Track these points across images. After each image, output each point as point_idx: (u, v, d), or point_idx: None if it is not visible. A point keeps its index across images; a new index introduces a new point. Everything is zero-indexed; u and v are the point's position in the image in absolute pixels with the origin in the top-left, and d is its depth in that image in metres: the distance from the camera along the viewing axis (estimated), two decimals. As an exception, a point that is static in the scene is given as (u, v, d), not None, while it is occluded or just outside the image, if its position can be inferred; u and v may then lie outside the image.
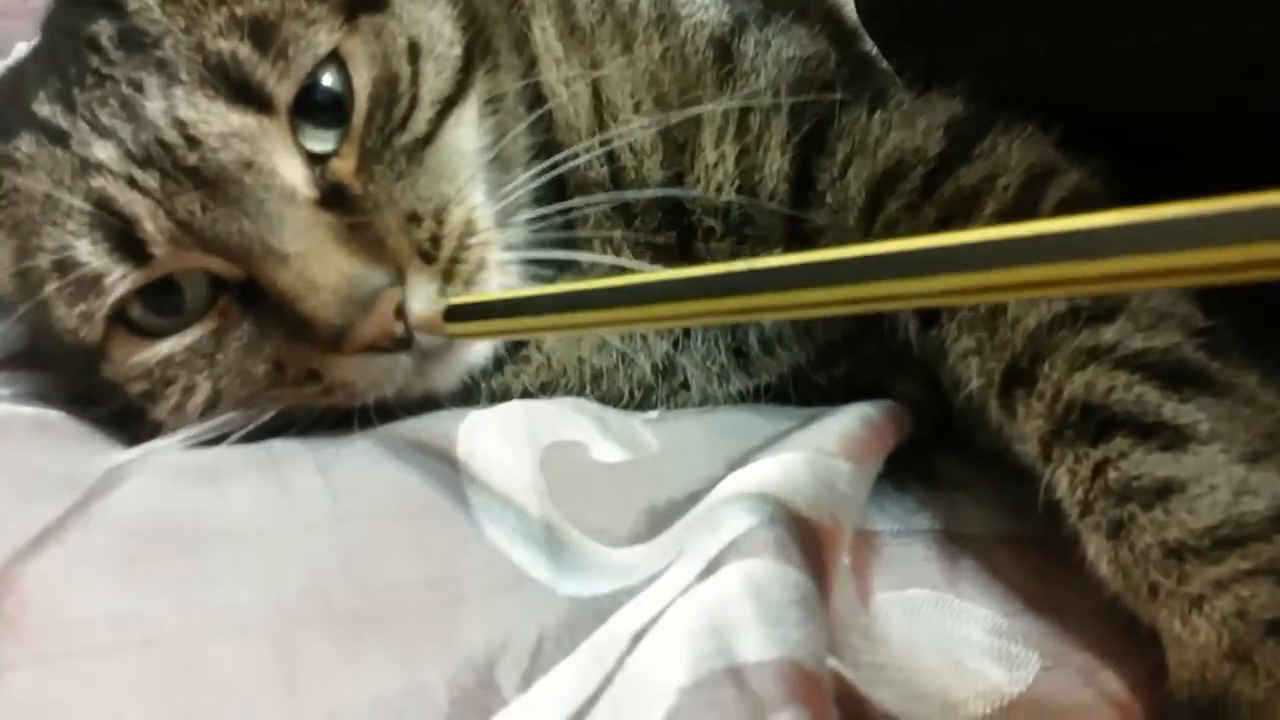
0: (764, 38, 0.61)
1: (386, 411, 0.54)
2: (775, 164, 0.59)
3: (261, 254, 0.49)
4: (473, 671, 0.39)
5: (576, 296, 0.39)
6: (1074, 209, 0.52)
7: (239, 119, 0.49)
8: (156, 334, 0.53)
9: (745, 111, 0.59)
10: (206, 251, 0.50)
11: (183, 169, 0.49)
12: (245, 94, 0.49)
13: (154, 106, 0.49)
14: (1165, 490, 0.45)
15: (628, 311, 0.37)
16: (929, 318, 0.55)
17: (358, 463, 0.48)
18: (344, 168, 0.52)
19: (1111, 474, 0.46)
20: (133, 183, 0.49)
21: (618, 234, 0.60)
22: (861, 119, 0.59)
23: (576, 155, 0.57)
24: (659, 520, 0.47)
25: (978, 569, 0.52)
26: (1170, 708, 0.43)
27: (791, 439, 0.50)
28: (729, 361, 0.63)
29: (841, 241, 0.59)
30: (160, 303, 0.52)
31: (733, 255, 0.61)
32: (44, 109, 0.51)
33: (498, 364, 0.60)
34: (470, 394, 0.59)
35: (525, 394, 0.60)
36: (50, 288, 0.51)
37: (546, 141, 0.60)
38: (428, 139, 0.54)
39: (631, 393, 0.63)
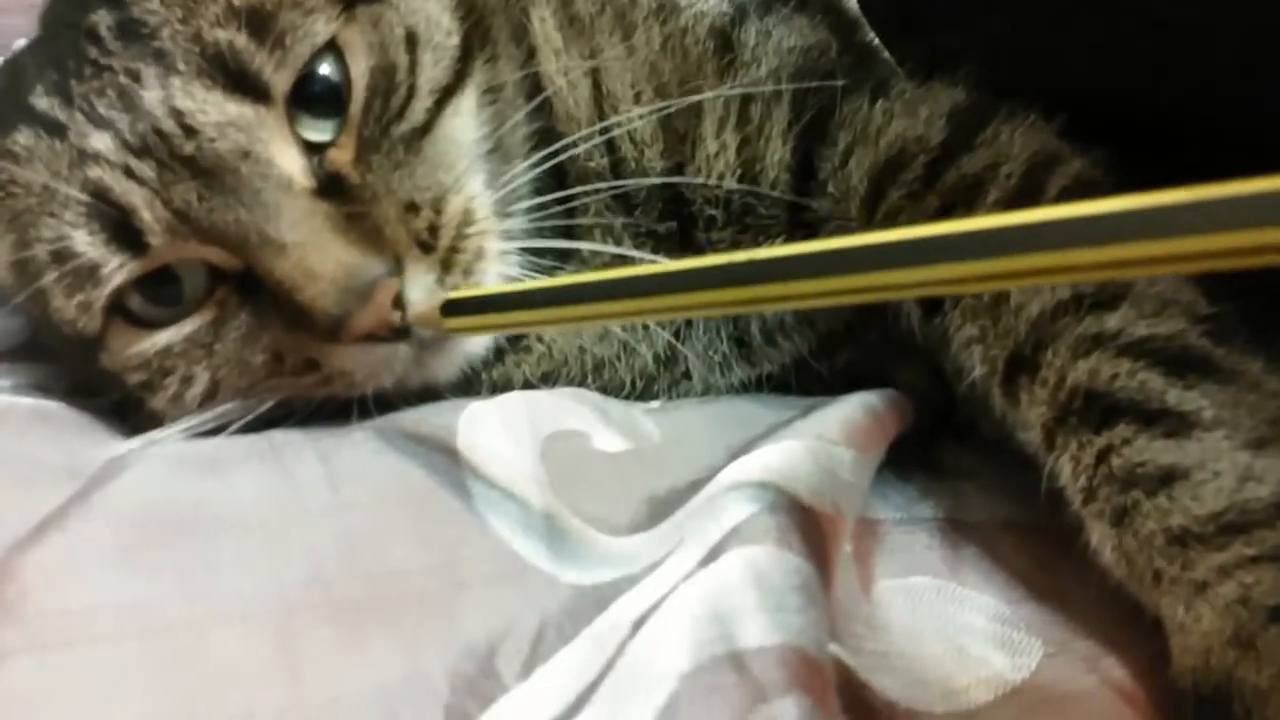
0: (765, 27, 0.61)
1: (386, 402, 0.54)
2: (777, 153, 0.59)
3: (259, 243, 0.49)
4: (473, 659, 0.39)
5: (574, 290, 0.39)
6: (1076, 197, 0.52)
7: (236, 108, 0.49)
8: (155, 324, 0.53)
9: (746, 101, 0.59)
10: (204, 241, 0.50)
11: (179, 158, 0.49)
12: (242, 83, 0.49)
13: (151, 96, 0.49)
14: (1169, 477, 0.45)
15: (626, 304, 0.36)
16: (931, 306, 0.55)
17: (359, 453, 0.48)
18: (342, 157, 0.52)
19: (1115, 461, 0.46)
20: (129, 172, 0.49)
21: (618, 223, 0.60)
22: (863, 108, 0.59)
23: (576, 144, 0.57)
24: (660, 509, 0.47)
25: (980, 556, 0.52)
26: (1173, 694, 0.43)
27: (793, 427, 0.50)
28: (731, 351, 0.63)
29: (843, 230, 0.59)
30: (159, 293, 0.52)
31: (734, 245, 0.61)
32: (42, 101, 0.51)
33: (498, 354, 0.60)
34: (471, 384, 0.59)
35: (526, 384, 0.60)
36: (48, 278, 0.51)
37: (546, 132, 0.60)
38: (426, 128, 0.54)
39: (633, 382, 0.63)
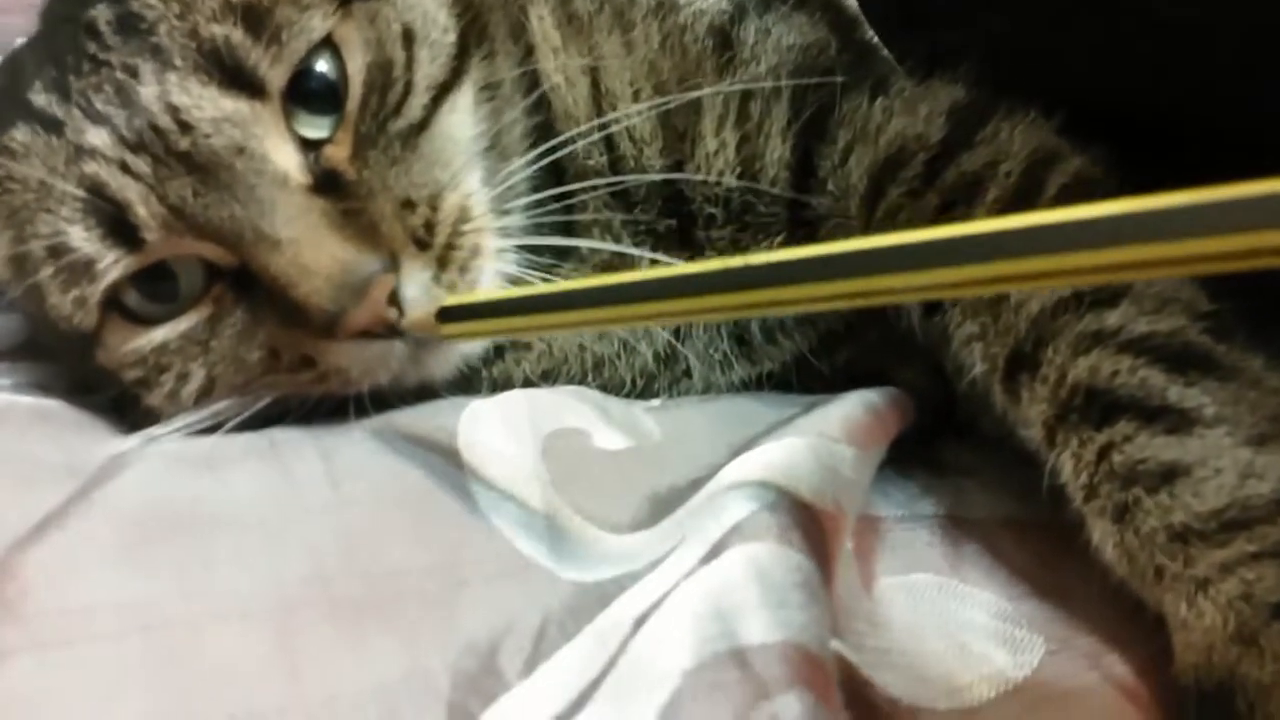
0: (764, 25, 0.61)
1: (383, 401, 0.54)
2: (776, 151, 0.59)
3: (254, 240, 0.49)
4: (475, 657, 0.39)
5: (569, 296, 0.39)
6: (1076, 195, 0.52)
7: (231, 104, 0.49)
8: (151, 321, 0.53)
9: (746, 99, 0.59)
10: (199, 237, 0.50)
11: (175, 154, 0.49)
12: (238, 79, 0.49)
13: (148, 92, 0.49)
14: (1170, 474, 0.45)
15: (620, 310, 0.36)
16: (932, 304, 0.55)
17: (358, 451, 0.48)
18: (338, 154, 0.52)
19: (1116, 458, 0.46)
20: (125, 168, 0.49)
21: (617, 221, 0.60)
22: (863, 106, 0.59)
23: (574, 141, 0.57)
24: (661, 507, 0.47)
25: (981, 554, 0.52)
26: (1176, 691, 0.42)
27: (794, 424, 0.50)
28: (731, 349, 0.63)
29: (843, 228, 0.59)
30: (155, 289, 0.52)
31: (733, 243, 0.61)
32: (40, 98, 0.51)
33: (498, 352, 0.60)
34: (471, 383, 0.59)
35: (527, 382, 0.60)
36: (44, 273, 0.51)
37: (544, 130, 0.60)
38: (422, 125, 0.54)
39: (634, 381, 0.62)
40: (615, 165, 0.60)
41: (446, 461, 0.48)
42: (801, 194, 0.59)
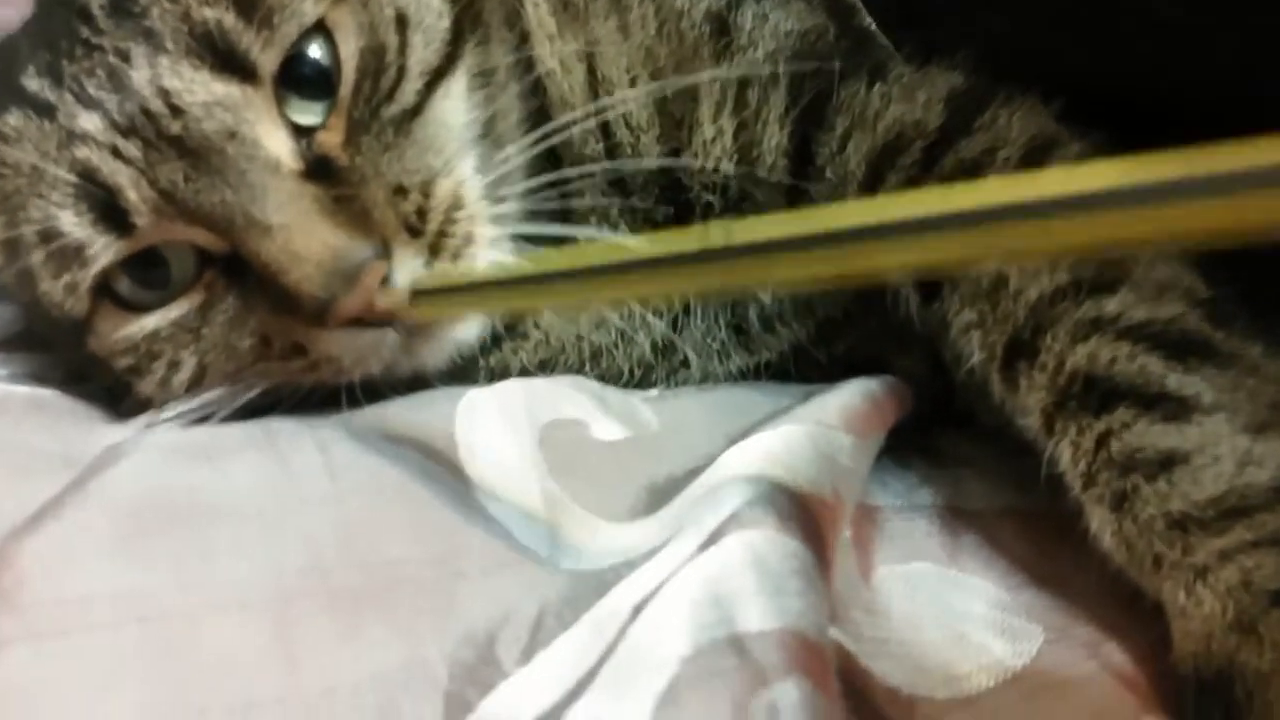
0: (761, 10, 0.61)
1: (376, 392, 0.53)
2: (774, 138, 0.59)
3: (244, 225, 0.49)
4: (473, 646, 0.38)
5: (542, 277, 0.38)
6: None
7: (223, 88, 0.49)
8: (142, 308, 0.53)
9: (743, 86, 0.59)
10: (190, 223, 0.50)
11: (166, 138, 0.49)
12: (230, 63, 0.49)
13: (139, 76, 0.49)
14: (1169, 461, 0.45)
15: (599, 288, 0.35)
16: (930, 292, 0.55)
17: (356, 441, 0.48)
18: (331, 140, 0.51)
19: (1114, 445, 0.46)
20: (116, 152, 0.49)
21: (614, 209, 0.60)
22: (861, 93, 0.58)
23: (569, 127, 0.57)
24: (659, 496, 0.47)
25: (980, 544, 0.52)
26: (1175, 680, 0.42)
27: (792, 413, 0.50)
28: (729, 339, 0.63)
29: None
30: (147, 277, 0.52)
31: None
32: (32, 83, 0.51)
33: (495, 341, 0.60)
34: (468, 372, 0.58)
35: (524, 372, 0.60)
36: (35, 259, 0.51)
37: (540, 118, 0.59)
38: (416, 110, 0.53)
39: (631, 370, 0.62)
40: (612, 153, 0.60)
41: (443, 452, 0.47)
42: (799, 181, 0.59)
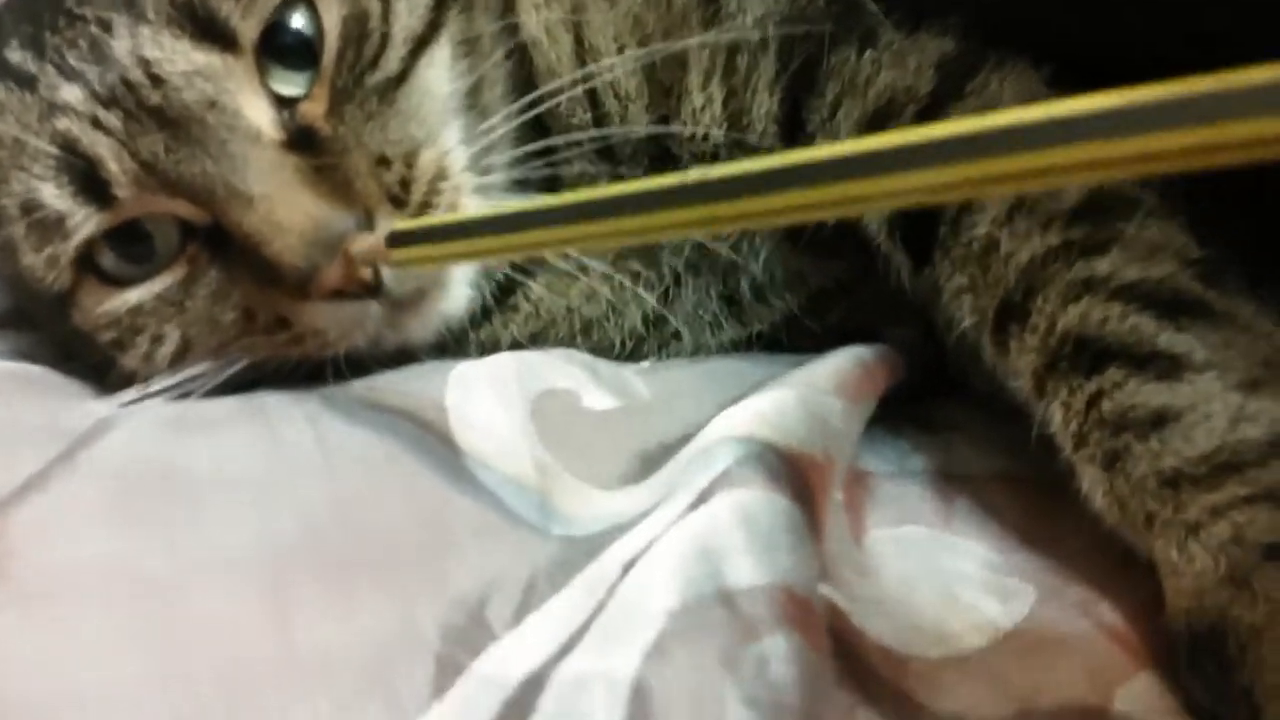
0: None
1: (362, 367, 0.53)
2: (764, 105, 0.58)
3: (226, 196, 0.48)
4: (464, 610, 0.38)
5: (524, 216, 0.37)
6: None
7: (203, 57, 0.49)
8: (126, 282, 0.52)
9: (732, 52, 0.58)
10: (172, 194, 0.50)
11: (147, 109, 0.48)
12: (210, 32, 0.49)
13: (120, 46, 0.48)
14: (1160, 419, 0.44)
15: (578, 229, 0.35)
16: (921, 257, 0.55)
17: (346, 413, 0.48)
18: (314, 110, 0.51)
19: (1106, 405, 0.46)
20: (96, 123, 0.49)
21: (603, 179, 0.59)
22: (851, 59, 0.58)
23: (556, 95, 0.56)
24: (650, 463, 0.47)
25: (972, 507, 0.52)
26: (1168, 636, 0.42)
27: (783, 379, 0.50)
28: (721, 310, 0.63)
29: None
30: (130, 251, 0.52)
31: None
32: (15, 55, 0.51)
33: (485, 314, 0.60)
34: (458, 346, 0.58)
35: (514, 345, 0.60)
36: (17, 231, 0.51)
37: (526, 88, 0.59)
38: (399, 79, 0.53)
39: (623, 343, 0.62)
40: (600, 123, 0.60)
41: (434, 422, 0.47)
42: (790, 147, 0.58)
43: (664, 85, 0.59)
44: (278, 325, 0.51)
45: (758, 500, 0.38)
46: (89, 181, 0.49)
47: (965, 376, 0.59)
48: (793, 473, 0.40)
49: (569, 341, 0.61)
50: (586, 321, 0.62)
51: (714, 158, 0.59)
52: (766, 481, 0.39)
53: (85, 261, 0.52)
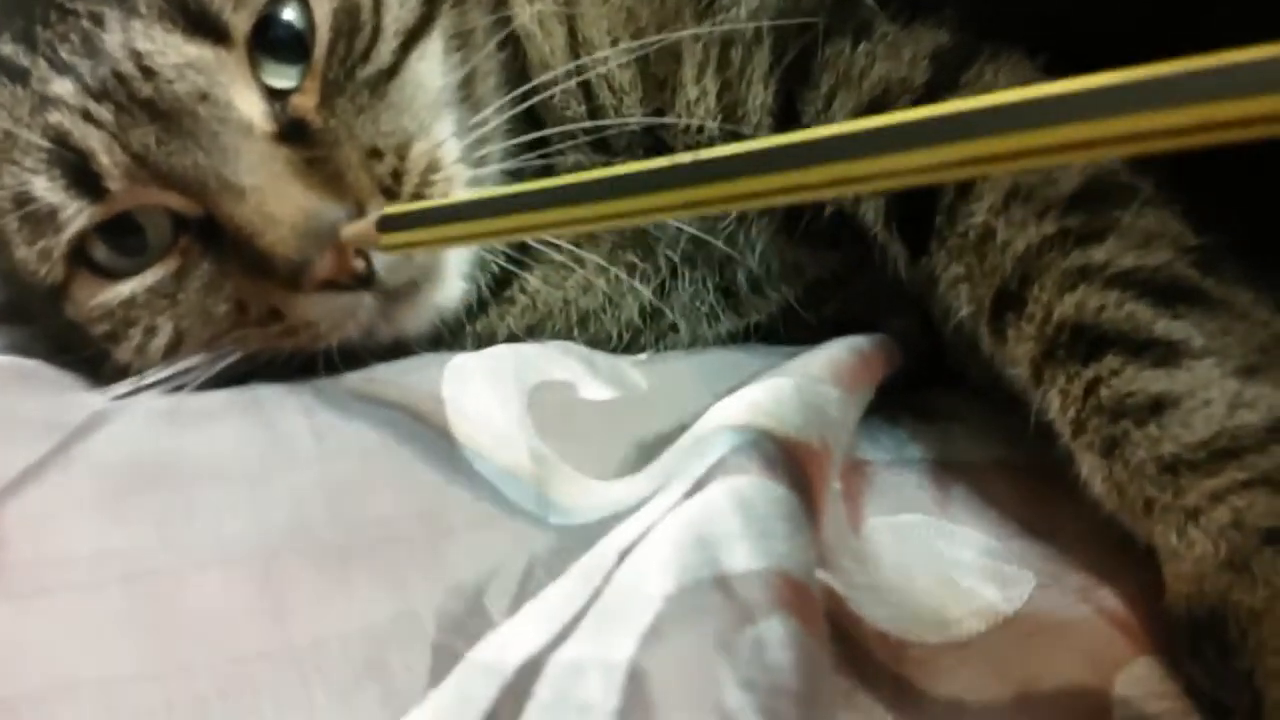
0: None
1: (357, 360, 0.53)
2: (758, 97, 0.58)
3: (217, 188, 0.48)
4: (461, 599, 0.38)
5: (516, 199, 0.37)
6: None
7: (195, 50, 0.49)
8: (119, 275, 0.52)
9: (726, 45, 0.58)
10: (163, 187, 0.50)
11: (138, 101, 0.48)
12: (202, 24, 0.49)
13: (112, 39, 0.48)
14: (1158, 406, 0.44)
15: (569, 212, 0.35)
16: (918, 247, 0.55)
17: (341, 404, 0.48)
18: (305, 103, 0.51)
19: (1104, 392, 0.46)
20: (88, 116, 0.49)
21: None
22: (845, 51, 0.58)
23: (549, 87, 0.56)
24: (647, 453, 0.47)
25: (970, 495, 0.52)
26: (1168, 622, 0.42)
27: (780, 368, 0.50)
28: (718, 301, 0.62)
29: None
30: (122, 243, 0.52)
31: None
32: (6, 48, 0.51)
33: (482, 306, 0.60)
34: (455, 337, 0.58)
35: (511, 337, 0.60)
36: (10, 225, 0.51)
37: (519, 81, 0.58)
38: (391, 72, 0.53)
39: (619, 335, 0.62)
40: (594, 115, 0.59)
41: (430, 413, 0.47)
42: None
43: (658, 78, 0.59)
44: (270, 317, 0.51)
45: (754, 487, 0.38)
46: (81, 175, 0.49)
47: (963, 366, 0.58)
48: (790, 461, 0.40)
49: (566, 334, 0.61)
50: (583, 314, 0.62)
51: (709, 150, 0.59)
52: (763, 469, 0.39)
53: (78, 254, 0.52)
